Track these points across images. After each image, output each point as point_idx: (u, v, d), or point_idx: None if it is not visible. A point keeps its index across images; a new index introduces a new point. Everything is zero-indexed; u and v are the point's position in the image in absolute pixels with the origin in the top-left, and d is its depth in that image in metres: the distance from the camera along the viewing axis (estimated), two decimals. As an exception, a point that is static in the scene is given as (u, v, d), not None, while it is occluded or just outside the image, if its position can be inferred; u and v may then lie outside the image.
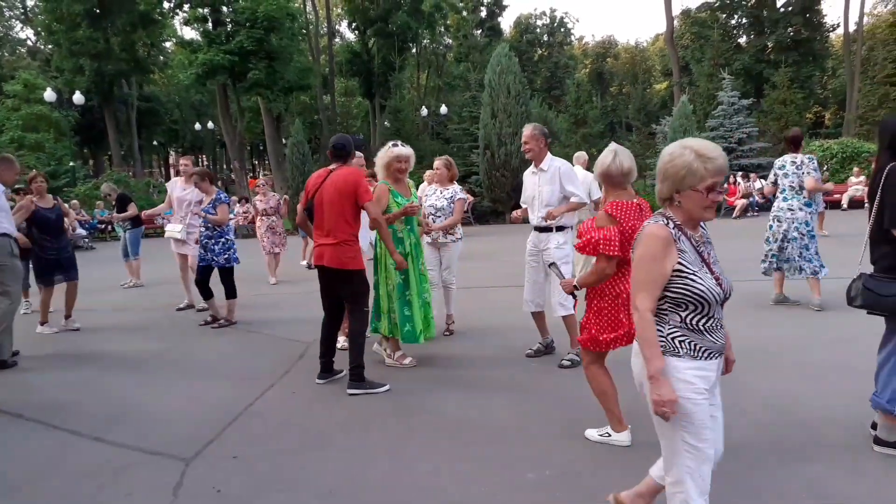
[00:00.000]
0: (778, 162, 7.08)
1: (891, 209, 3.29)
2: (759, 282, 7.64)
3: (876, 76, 36.64)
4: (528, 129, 5.35)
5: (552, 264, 4.20)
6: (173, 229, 8.36)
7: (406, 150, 5.48)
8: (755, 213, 19.03)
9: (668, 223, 2.27)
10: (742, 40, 36.61)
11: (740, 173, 20.29)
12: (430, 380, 5.14)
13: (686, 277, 2.22)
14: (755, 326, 6.18)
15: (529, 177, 5.46)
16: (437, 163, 6.51)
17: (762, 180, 20.34)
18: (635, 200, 3.52)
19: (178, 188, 8.52)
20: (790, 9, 34.67)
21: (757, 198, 19.48)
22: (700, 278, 2.23)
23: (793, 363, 5.10)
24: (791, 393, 4.42)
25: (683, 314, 2.26)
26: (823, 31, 36.81)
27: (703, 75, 32.14)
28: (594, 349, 3.61)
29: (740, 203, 18.89)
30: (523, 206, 5.58)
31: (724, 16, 36.72)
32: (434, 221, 6.38)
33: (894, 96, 35.57)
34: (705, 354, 2.26)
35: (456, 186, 6.57)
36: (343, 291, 4.98)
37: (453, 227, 6.39)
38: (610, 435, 3.72)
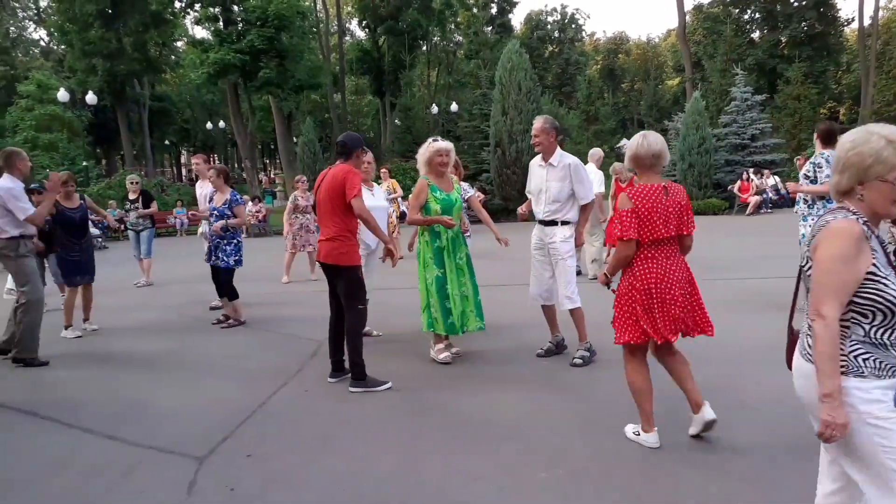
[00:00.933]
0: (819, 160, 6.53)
1: None
2: (779, 279, 7.58)
3: (891, 70, 36.30)
4: (538, 122, 5.26)
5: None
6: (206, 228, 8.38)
7: (446, 143, 5.46)
8: (769, 210, 18.88)
9: (857, 218, 2.00)
10: (755, 35, 36.35)
11: (753, 170, 20.13)
12: (442, 378, 5.13)
13: (878, 282, 1.96)
14: (772, 323, 6.12)
15: (537, 169, 5.41)
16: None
17: (776, 177, 20.20)
18: (662, 182, 3.48)
19: (200, 187, 8.69)
20: (804, 3, 34.36)
21: (770, 194, 19.32)
22: (892, 284, 1.96)
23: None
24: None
25: (868, 326, 2.00)
26: (838, 25, 36.48)
27: (715, 71, 31.85)
28: (631, 340, 3.52)
29: (754, 200, 18.74)
30: (529, 196, 5.56)
31: (737, 11, 36.47)
32: None
33: (910, 91, 35.24)
34: (891, 372, 1.98)
35: (464, 184, 6.57)
36: (338, 287, 4.99)
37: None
38: (639, 434, 3.67)
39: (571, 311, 5.29)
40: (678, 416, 3.76)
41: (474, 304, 5.47)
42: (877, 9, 34.19)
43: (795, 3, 34.78)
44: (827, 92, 35.37)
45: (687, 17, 36.74)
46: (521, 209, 5.64)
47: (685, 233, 3.51)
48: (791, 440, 3.62)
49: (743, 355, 5.18)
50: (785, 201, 19.81)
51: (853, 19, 35.64)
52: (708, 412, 3.58)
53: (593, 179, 5.46)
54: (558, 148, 5.29)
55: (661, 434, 3.64)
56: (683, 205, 3.50)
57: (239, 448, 3.87)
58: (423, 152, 5.43)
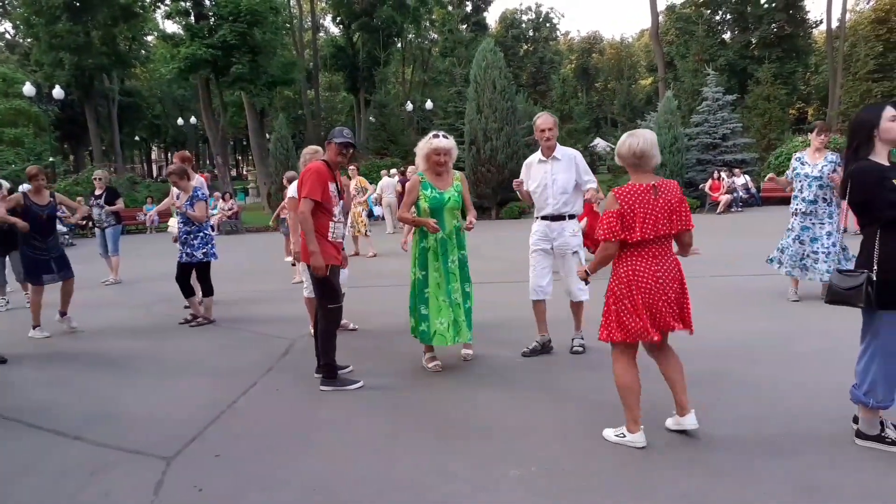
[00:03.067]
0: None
1: (855, 209, 3.36)
2: (753, 277, 7.67)
3: (858, 72, 36.99)
4: (549, 118, 5.28)
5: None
6: (174, 225, 8.25)
7: (446, 142, 5.04)
8: (739, 209, 19.13)
9: None
10: (726, 36, 36.83)
11: (724, 169, 20.39)
12: (418, 376, 5.10)
13: None
14: (748, 321, 6.20)
15: (537, 165, 5.36)
16: (412, 168, 6.47)
17: (746, 176, 20.49)
18: (652, 182, 3.45)
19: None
20: (773, 5, 34.91)
21: (741, 193, 19.58)
22: None
23: (780, 356, 5.11)
24: (778, 386, 4.42)
25: None
26: (806, 27, 37.13)
27: (687, 71, 32.24)
28: (622, 339, 3.51)
29: (725, 198, 18.97)
30: (523, 184, 5.43)
31: (709, 12, 36.92)
32: None
33: (876, 92, 35.96)
34: None
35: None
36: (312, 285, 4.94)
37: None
38: (625, 435, 3.64)
39: (576, 303, 5.40)
40: (653, 411, 3.77)
41: (464, 311, 5.15)
42: (844, 11, 34.84)
43: (766, 5, 35.32)
44: (796, 92, 36.01)
45: (660, 18, 37.08)
46: (519, 183, 5.42)
47: (678, 231, 3.50)
48: (763, 434, 3.66)
49: (721, 352, 5.22)
50: (755, 200, 20.11)
51: (821, 21, 36.32)
52: (691, 421, 3.60)
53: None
54: (558, 143, 5.35)
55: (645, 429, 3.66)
56: (675, 203, 3.46)
57: (207, 448, 3.81)
58: (422, 146, 5.12)
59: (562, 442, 3.73)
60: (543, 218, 5.37)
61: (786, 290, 7.01)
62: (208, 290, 7.32)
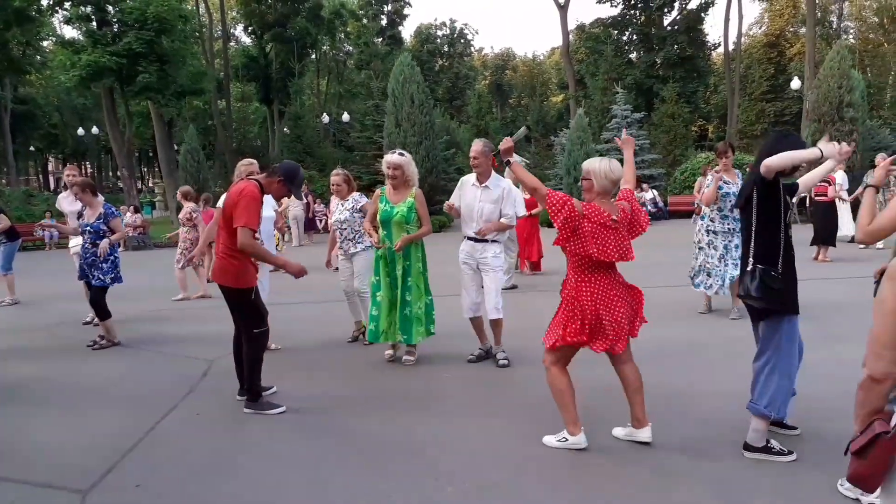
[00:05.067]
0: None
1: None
2: (669, 289, 7.95)
3: (753, 93, 39.43)
4: (478, 145, 5.46)
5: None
6: (78, 244, 7.68)
7: (398, 157, 5.55)
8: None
9: None
10: (633, 56, 38.39)
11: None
12: (340, 395, 5.00)
13: None
14: (661, 329, 6.42)
15: (471, 188, 5.55)
16: (335, 178, 6.57)
17: (653, 190, 21.39)
18: (614, 216, 3.57)
19: (68, 202, 7.98)
20: (676, 28, 36.71)
21: (649, 207, 20.40)
22: None
23: (691, 363, 5.33)
24: (690, 392, 4.60)
25: None
26: (706, 49, 39.21)
27: (597, 89, 33.40)
28: (562, 343, 3.58)
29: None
30: (454, 205, 5.62)
31: (616, 32, 38.39)
32: (340, 235, 6.45)
33: (770, 112, 38.40)
34: None
35: (356, 195, 6.52)
36: (231, 310, 4.70)
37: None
38: (567, 439, 3.71)
39: (494, 321, 5.52)
40: (582, 421, 3.83)
41: (400, 316, 5.56)
42: (739, 35, 37.04)
43: (669, 28, 37.11)
44: (697, 111, 37.90)
45: (570, 37, 38.30)
46: (451, 204, 5.65)
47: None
48: (682, 440, 3.79)
49: (643, 359, 5.36)
50: (663, 213, 21.00)
51: (719, 44, 38.48)
52: (646, 434, 3.70)
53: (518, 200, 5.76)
54: (493, 171, 5.45)
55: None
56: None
57: (126, 479, 3.58)
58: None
59: (493, 456, 3.74)
60: (469, 238, 5.55)
61: (696, 301, 7.31)
62: (105, 314, 6.81)
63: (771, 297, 3.48)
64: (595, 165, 3.63)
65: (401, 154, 5.62)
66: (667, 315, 7.12)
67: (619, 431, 3.84)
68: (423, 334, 5.68)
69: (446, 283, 6.83)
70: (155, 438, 4.21)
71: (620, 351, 3.64)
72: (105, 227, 6.71)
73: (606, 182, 3.58)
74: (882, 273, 2.67)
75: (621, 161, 3.93)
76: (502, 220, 5.46)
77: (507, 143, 4.05)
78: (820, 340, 5.37)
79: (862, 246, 10.54)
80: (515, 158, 4.15)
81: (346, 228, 6.37)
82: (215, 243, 4.81)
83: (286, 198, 12.50)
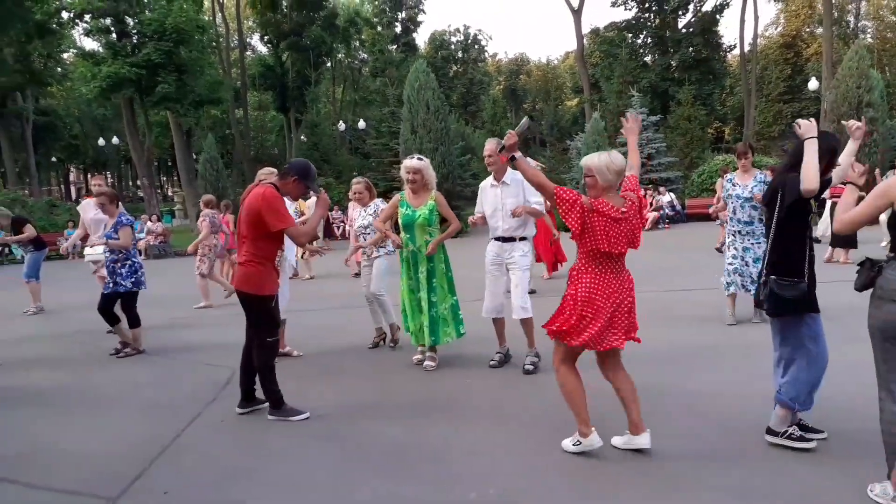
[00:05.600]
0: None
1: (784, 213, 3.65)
2: (689, 292, 7.92)
3: (770, 94, 39.12)
4: (491, 144, 5.45)
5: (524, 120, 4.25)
6: (94, 252, 7.74)
7: (417, 162, 5.65)
8: (666, 225, 19.82)
9: None
10: (648, 59, 38.25)
11: (650, 187, 21.11)
12: (363, 401, 5.03)
13: None
14: (680, 333, 6.40)
15: (490, 189, 5.63)
16: (357, 186, 6.73)
17: (671, 193, 21.27)
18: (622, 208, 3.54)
19: (92, 210, 8.07)
20: (691, 30, 36.56)
21: (667, 210, 20.31)
22: None
23: (711, 368, 5.30)
24: (710, 397, 4.59)
25: None
26: (721, 51, 38.99)
27: (612, 92, 33.30)
28: (559, 339, 3.60)
29: (651, 216, 19.62)
30: (478, 214, 5.75)
31: (631, 35, 38.29)
32: (364, 240, 6.59)
33: (787, 113, 38.07)
34: None
35: (378, 201, 6.68)
36: (247, 317, 4.70)
37: (379, 242, 6.42)
38: (580, 442, 3.70)
39: (524, 321, 5.51)
40: (602, 425, 3.83)
41: (428, 318, 5.62)
42: (755, 36, 36.85)
43: (683, 30, 36.96)
44: (714, 113, 37.68)
45: (584, 41, 38.26)
46: (475, 219, 5.76)
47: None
48: (700, 446, 3.78)
49: (653, 365, 5.36)
50: (680, 216, 20.88)
51: (735, 46, 38.25)
52: (645, 440, 3.68)
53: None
54: (508, 167, 5.46)
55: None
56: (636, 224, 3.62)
57: (154, 486, 3.63)
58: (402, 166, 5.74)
59: (515, 461, 3.75)
60: (496, 239, 5.60)
61: (715, 303, 7.24)
62: (135, 321, 6.95)
63: (782, 307, 3.58)
64: (595, 161, 3.54)
65: (419, 159, 5.71)
66: (685, 318, 7.10)
67: (617, 441, 3.79)
68: (451, 336, 5.77)
69: (465, 287, 6.84)
70: (181, 445, 4.27)
71: (616, 346, 3.60)
72: (116, 235, 6.82)
73: (610, 175, 3.49)
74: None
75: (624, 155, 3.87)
76: (532, 206, 5.48)
77: (510, 137, 3.81)
78: (839, 343, 5.32)
79: (883, 244, 10.43)
80: (530, 162, 4.11)
81: (369, 234, 6.50)
82: (237, 251, 4.83)
83: (304, 200, 12.66)
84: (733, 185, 6.81)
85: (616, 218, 3.48)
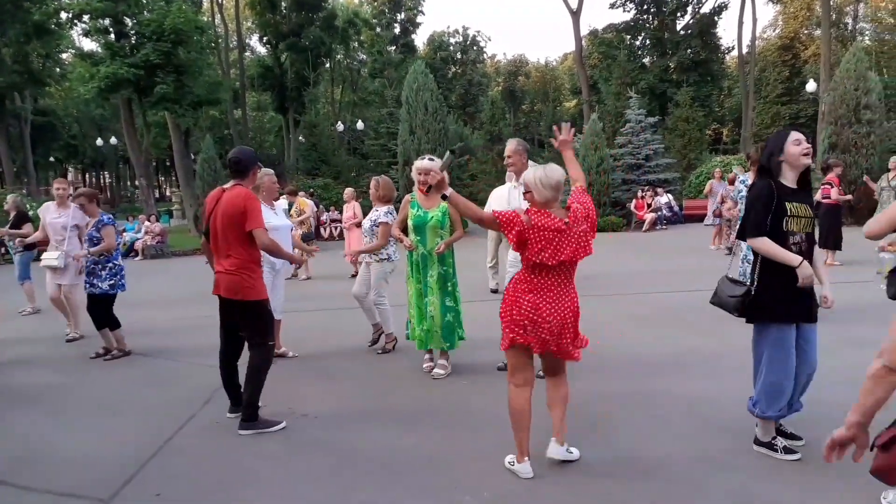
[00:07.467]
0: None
1: (743, 221, 3.69)
2: (681, 294, 7.91)
3: (768, 96, 39.16)
4: (512, 145, 5.51)
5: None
6: (50, 257, 7.62)
7: (428, 163, 5.35)
8: (663, 227, 19.82)
9: None
10: (646, 61, 38.29)
11: (648, 188, 21.12)
12: (357, 405, 5.02)
13: None
14: (678, 336, 6.40)
15: (512, 191, 5.70)
16: (349, 191, 6.64)
17: (668, 195, 21.28)
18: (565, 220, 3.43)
19: (51, 213, 7.88)
20: (689, 32, 36.62)
21: (665, 211, 20.31)
22: None
23: (710, 372, 5.30)
24: (711, 400, 4.58)
25: None
26: (719, 53, 39.06)
27: (610, 94, 33.30)
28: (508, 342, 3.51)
29: (649, 217, 19.63)
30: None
31: (629, 37, 38.35)
32: (371, 233, 6.48)
33: (785, 114, 38.12)
34: None
35: (383, 209, 6.48)
36: (242, 324, 4.59)
37: (375, 250, 6.37)
38: (514, 464, 3.60)
39: None
40: (601, 430, 3.84)
41: (440, 324, 5.53)
42: (753, 38, 36.86)
43: (682, 32, 37.02)
44: (712, 115, 37.73)
45: (583, 42, 38.29)
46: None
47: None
48: (701, 450, 3.77)
49: (652, 368, 5.37)
50: (678, 218, 20.90)
51: (733, 48, 38.31)
52: (557, 451, 3.64)
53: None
54: (528, 166, 5.41)
55: (588, 449, 3.72)
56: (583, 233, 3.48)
57: (147, 488, 3.63)
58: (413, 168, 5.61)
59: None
60: None
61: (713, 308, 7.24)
62: (114, 324, 6.88)
63: (743, 310, 3.64)
64: (530, 177, 3.45)
65: (431, 159, 5.48)
66: (685, 320, 7.09)
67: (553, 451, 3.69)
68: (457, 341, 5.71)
69: (465, 291, 6.83)
70: (174, 448, 4.26)
71: (561, 354, 3.53)
72: (98, 234, 6.78)
73: (544, 189, 3.40)
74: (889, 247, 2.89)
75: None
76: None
77: (436, 176, 3.47)
78: (834, 346, 5.33)
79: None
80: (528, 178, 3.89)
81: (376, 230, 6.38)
82: (215, 260, 4.63)
83: (294, 198, 12.59)
84: (746, 185, 6.84)
85: (559, 229, 3.36)
